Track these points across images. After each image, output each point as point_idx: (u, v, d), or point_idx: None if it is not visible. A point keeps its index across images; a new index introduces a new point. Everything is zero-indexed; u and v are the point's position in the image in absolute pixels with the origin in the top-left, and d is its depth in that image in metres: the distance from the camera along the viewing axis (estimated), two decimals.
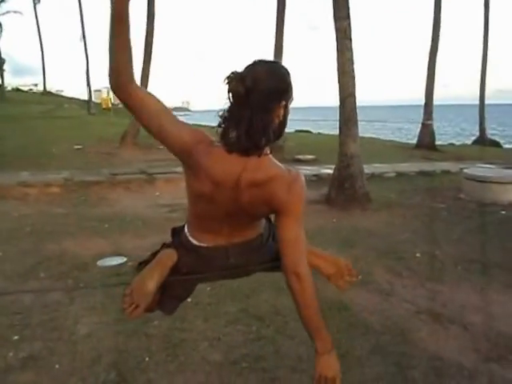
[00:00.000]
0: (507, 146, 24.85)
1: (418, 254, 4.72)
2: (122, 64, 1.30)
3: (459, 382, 2.63)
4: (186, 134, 1.41)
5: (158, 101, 1.38)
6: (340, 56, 6.78)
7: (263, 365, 2.79)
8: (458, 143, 23.53)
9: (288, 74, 1.43)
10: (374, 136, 22.20)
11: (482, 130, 19.62)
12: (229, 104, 1.39)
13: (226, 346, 3.03)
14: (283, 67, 1.45)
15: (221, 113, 1.41)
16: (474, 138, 24.86)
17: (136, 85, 1.35)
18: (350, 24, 6.71)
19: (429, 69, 14.32)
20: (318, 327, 1.53)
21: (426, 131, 14.65)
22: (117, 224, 5.74)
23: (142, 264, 1.93)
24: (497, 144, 22.55)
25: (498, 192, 7.17)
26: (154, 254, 1.91)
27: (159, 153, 10.25)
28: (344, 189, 6.98)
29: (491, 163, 11.78)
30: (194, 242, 1.62)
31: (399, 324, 3.28)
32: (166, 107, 1.40)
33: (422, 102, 14.77)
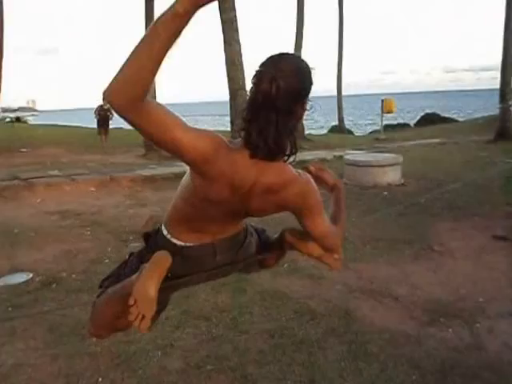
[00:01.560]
0: (358, 133, 27.61)
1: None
2: (148, 73, 1.08)
3: (412, 349, 2.87)
4: (203, 142, 1.28)
5: (168, 111, 1.23)
6: (228, 48, 6.82)
7: (229, 364, 2.73)
8: (314, 132, 25.32)
9: (311, 70, 1.38)
10: None
11: (341, 119, 21.44)
12: (250, 104, 1.30)
13: (181, 351, 2.89)
14: (307, 64, 1.38)
15: (244, 114, 1.32)
16: (328, 128, 27.09)
17: (147, 98, 1.16)
18: (236, 15, 6.78)
19: None
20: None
21: None
22: (4, 237, 5.08)
23: (105, 281, 1.79)
24: (351, 132, 24.89)
25: (377, 175, 7.91)
26: (120, 268, 1.79)
27: (25, 156, 9.31)
28: None
29: (358, 149, 12.97)
30: (179, 243, 1.55)
31: (340, 305, 3.45)
32: (176, 116, 1.25)
33: None
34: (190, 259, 1.57)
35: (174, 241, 1.56)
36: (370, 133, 26.79)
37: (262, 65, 1.30)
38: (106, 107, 11.91)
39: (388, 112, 16.73)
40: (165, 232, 1.59)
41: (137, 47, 1.06)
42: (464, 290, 3.74)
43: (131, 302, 1.44)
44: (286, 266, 4.18)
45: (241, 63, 6.84)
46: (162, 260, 1.55)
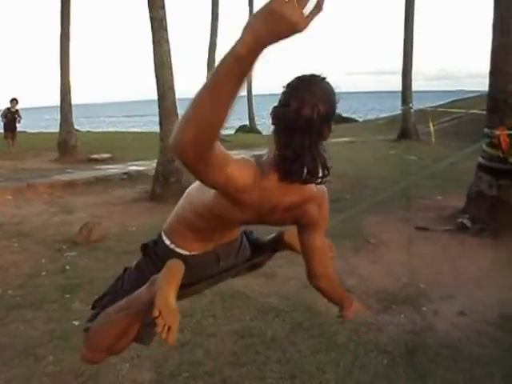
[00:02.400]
0: (266, 132, 28.28)
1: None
2: (218, 125, 0.97)
3: (376, 336, 3.03)
4: (245, 173, 1.27)
5: (223, 149, 1.16)
6: (157, 47, 6.66)
7: (204, 369, 2.69)
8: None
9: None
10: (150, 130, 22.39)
11: (251, 118, 21.80)
12: (285, 128, 1.28)
13: (150, 361, 2.79)
14: (331, 85, 1.35)
15: (279, 138, 1.29)
16: (235, 128, 27.38)
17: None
18: (165, 14, 6.64)
19: (209, 65, 15.22)
20: (345, 296, 1.85)
21: None
22: None
23: (100, 301, 1.73)
24: (259, 131, 25.32)
25: None
26: (116, 286, 1.73)
27: None
28: (170, 184, 6.95)
29: None
30: (184, 252, 1.55)
31: (299, 300, 3.54)
32: (222, 147, 1.16)
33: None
34: (195, 267, 1.57)
35: (179, 250, 1.55)
36: None
37: (296, 88, 1.28)
38: (13, 110, 11.06)
39: None
40: (167, 242, 1.57)
41: (201, 100, 0.92)
42: (405, 278, 4.02)
43: (156, 313, 1.40)
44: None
45: (170, 63, 6.71)
46: (176, 269, 1.53)
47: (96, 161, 10.67)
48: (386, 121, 21.99)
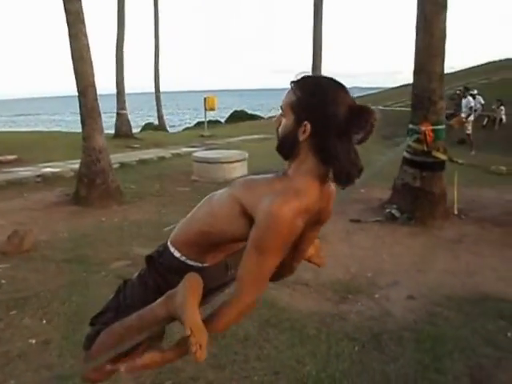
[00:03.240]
0: (173, 130, 27.91)
1: None
2: None
3: (341, 325, 3.20)
4: (297, 219, 1.32)
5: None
6: (74, 42, 6.31)
7: (187, 375, 2.66)
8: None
9: None
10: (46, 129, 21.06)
11: (160, 116, 21.36)
12: (327, 137, 1.33)
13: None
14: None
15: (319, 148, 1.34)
16: (141, 126, 26.68)
17: None
18: (82, 6, 6.30)
19: (117, 61, 14.68)
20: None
21: (122, 120, 14.97)
22: None
23: (100, 318, 1.66)
24: (167, 129, 24.91)
25: (228, 171, 8.24)
26: (116, 301, 1.65)
27: None
28: (96, 185, 6.64)
29: (191, 146, 13.20)
30: (196, 264, 1.52)
31: (262, 297, 3.59)
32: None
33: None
34: (206, 279, 1.52)
35: (190, 263, 1.51)
36: (184, 130, 27.40)
37: (333, 95, 1.33)
38: None
39: (210, 109, 17.32)
40: (177, 254, 1.52)
41: None
42: (353, 268, 4.27)
43: (188, 332, 1.35)
44: None
45: (89, 58, 6.38)
46: (196, 283, 1.47)
47: (1, 163, 9.85)
48: None
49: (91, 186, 6.64)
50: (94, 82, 6.57)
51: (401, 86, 24.19)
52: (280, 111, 1.45)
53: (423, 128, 5.24)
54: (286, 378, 2.64)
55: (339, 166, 1.34)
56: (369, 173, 7.05)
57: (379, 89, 31.03)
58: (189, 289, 1.44)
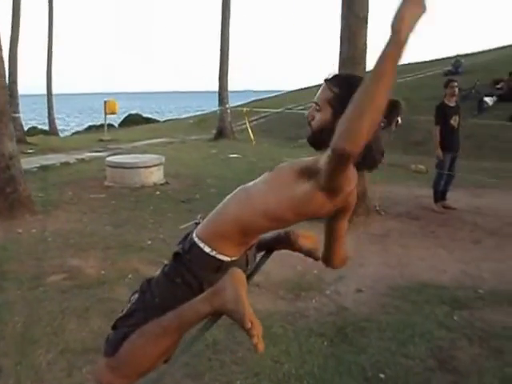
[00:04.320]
0: (62, 135, 26.38)
1: (149, 242, 4.94)
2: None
3: (305, 322, 3.30)
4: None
5: None
6: None
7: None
8: None
9: None
10: None
11: (52, 120, 20.07)
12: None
13: None
14: None
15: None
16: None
17: None
18: None
19: (10, 61, 13.61)
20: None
21: (15, 125, 13.76)
22: None
23: (126, 320, 1.60)
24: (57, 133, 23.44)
25: (144, 175, 8.01)
26: (143, 301, 1.59)
27: None
28: (6, 194, 6.06)
29: (95, 151, 12.57)
30: (225, 258, 1.53)
31: None
32: None
33: None
34: None
35: (220, 257, 1.52)
36: (74, 133, 26.02)
37: None
38: None
39: (111, 113, 16.65)
40: (207, 249, 1.52)
41: (377, 91, 1.14)
42: (299, 266, 4.38)
43: (248, 325, 1.38)
44: (130, 276, 4.00)
45: (1, 57, 5.85)
46: (243, 278, 1.49)
47: None
48: (196, 120, 22.67)
49: (0, 195, 6.06)
50: (4, 84, 6.02)
51: (299, 90, 25.29)
52: (314, 106, 1.55)
53: None
54: (268, 378, 2.66)
55: (370, 154, 1.44)
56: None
57: (276, 92, 32.06)
58: (238, 283, 1.45)
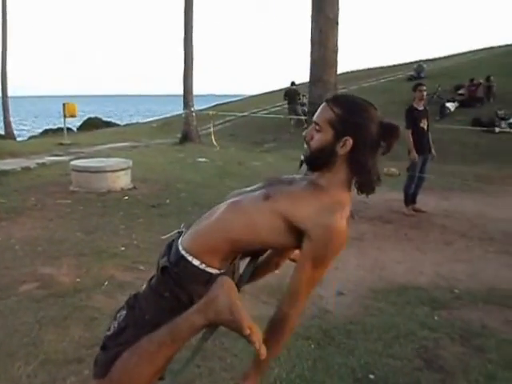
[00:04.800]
0: (20, 138, 25.55)
1: (122, 248, 4.84)
2: None
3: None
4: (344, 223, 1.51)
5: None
6: None
7: None
8: None
9: None
10: None
11: (8, 123, 19.43)
12: (364, 152, 1.50)
13: None
14: None
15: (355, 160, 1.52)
16: None
17: None
18: None
19: None
20: None
21: None
22: None
23: (115, 339, 1.57)
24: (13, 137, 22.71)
25: (112, 180, 7.85)
26: (133, 317, 1.57)
27: None
28: None
29: (54, 155, 12.23)
30: (214, 271, 1.54)
31: None
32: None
33: None
34: None
35: (209, 270, 1.53)
36: (30, 137, 25.24)
37: (369, 114, 1.52)
38: None
39: (71, 116, 16.25)
40: (195, 262, 1.52)
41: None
42: (278, 270, 4.40)
43: (247, 332, 1.40)
44: (106, 283, 3.91)
45: None
46: (233, 286, 1.50)
47: None
48: (159, 124, 22.42)
49: None
50: None
51: (263, 94, 25.46)
52: (314, 126, 1.56)
53: None
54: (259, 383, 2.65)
55: (368, 178, 1.54)
56: None
57: (239, 96, 32.22)
58: (230, 291, 1.45)
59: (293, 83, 16.44)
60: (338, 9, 5.75)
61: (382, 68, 23.60)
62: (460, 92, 14.83)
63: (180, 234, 1.64)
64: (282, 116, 15.50)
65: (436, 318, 3.46)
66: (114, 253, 4.64)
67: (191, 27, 13.93)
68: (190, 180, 9.08)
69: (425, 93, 6.59)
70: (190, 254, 1.52)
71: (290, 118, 15.82)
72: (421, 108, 6.54)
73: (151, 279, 1.62)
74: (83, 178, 7.86)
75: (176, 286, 1.52)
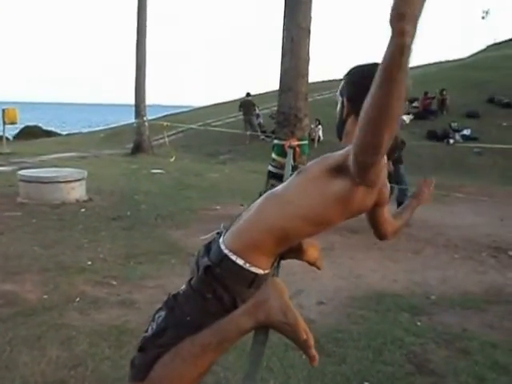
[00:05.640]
0: None
1: (89, 262, 4.68)
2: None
3: (279, 337, 3.24)
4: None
5: None
6: None
7: None
8: None
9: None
10: None
11: None
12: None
13: None
14: None
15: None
16: None
17: None
18: None
19: None
20: (410, 208, 2.01)
21: None
22: None
23: (155, 340, 1.52)
24: None
25: (66, 191, 7.58)
26: (173, 317, 1.53)
27: None
28: None
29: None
30: (259, 271, 1.50)
31: None
32: None
33: None
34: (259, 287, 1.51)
35: (254, 269, 1.49)
36: None
37: None
38: None
39: (11, 123, 15.60)
40: (240, 262, 1.48)
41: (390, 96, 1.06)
42: None
43: (304, 336, 1.44)
44: (78, 299, 3.77)
45: None
46: (284, 287, 1.49)
47: None
48: (105, 134, 21.90)
49: None
50: None
51: (213, 105, 25.49)
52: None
53: (294, 143, 5.71)
54: None
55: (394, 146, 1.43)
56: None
57: (187, 107, 32.05)
58: (283, 293, 1.45)
59: (248, 94, 16.57)
60: (310, 18, 5.88)
61: (336, 81, 24.27)
62: (414, 105, 15.50)
63: (219, 234, 1.60)
64: (237, 131, 15.52)
65: (418, 323, 3.57)
66: (81, 267, 4.48)
67: (144, 32, 13.76)
68: (148, 191, 8.93)
69: None
70: (234, 253, 1.47)
71: (246, 129, 15.91)
72: None
73: (190, 280, 1.56)
74: (33, 188, 7.55)
75: (219, 287, 1.48)
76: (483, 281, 4.54)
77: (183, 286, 1.59)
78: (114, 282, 4.17)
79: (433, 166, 11.55)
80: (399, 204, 6.85)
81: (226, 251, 1.49)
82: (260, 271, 1.49)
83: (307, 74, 5.95)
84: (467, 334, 3.41)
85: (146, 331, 1.56)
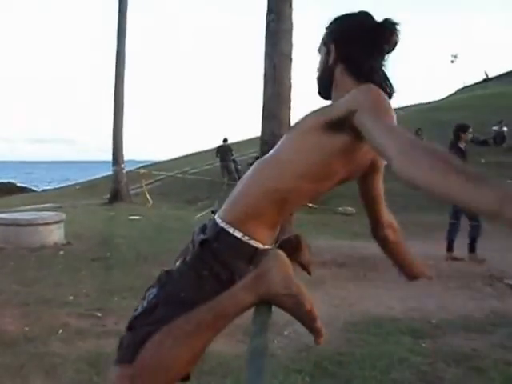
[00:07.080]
0: None
1: (71, 297, 4.42)
2: None
3: (278, 361, 3.12)
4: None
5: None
6: None
7: None
8: None
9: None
10: None
11: None
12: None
13: None
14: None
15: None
16: None
17: None
18: None
19: None
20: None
21: None
22: None
23: (145, 318, 1.39)
24: None
25: (44, 234, 7.31)
26: (167, 294, 1.39)
27: None
28: None
29: None
30: (258, 245, 1.40)
31: None
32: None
33: None
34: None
35: (253, 243, 1.38)
36: None
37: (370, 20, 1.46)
38: None
39: None
40: (238, 234, 1.37)
41: None
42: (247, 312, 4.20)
43: (308, 306, 1.33)
44: (61, 331, 3.52)
45: None
46: (287, 259, 1.37)
47: None
48: (81, 187, 21.64)
49: None
50: None
51: (190, 154, 25.63)
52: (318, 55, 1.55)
53: None
54: None
55: (371, 79, 1.39)
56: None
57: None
58: (285, 264, 1.34)
59: (225, 140, 16.68)
60: (291, 44, 5.93)
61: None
62: None
63: (214, 212, 1.48)
64: (215, 178, 15.50)
65: (423, 345, 3.42)
66: (63, 301, 4.23)
67: (122, 79, 13.86)
68: (128, 235, 8.70)
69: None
70: (231, 225, 1.36)
71: (223, 175, 15.91)
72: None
73: (185, 256, 1.42)
74: (11, 232, 7.26)
75: (216, 263, 1.35)
76: (483, 307, 4.41)
77: (177, 263, 1.44)
78: (99, 314, 3.93)
79: (416, 205, 11.60)
80: (451, 242, 6.72)
81: (222, 224, 1.38)
82: (260, 245, 1.38)
83: (289, 100, 5.93)
84: (478, 353, 3.26)
85: (136, 310, 1.41)
